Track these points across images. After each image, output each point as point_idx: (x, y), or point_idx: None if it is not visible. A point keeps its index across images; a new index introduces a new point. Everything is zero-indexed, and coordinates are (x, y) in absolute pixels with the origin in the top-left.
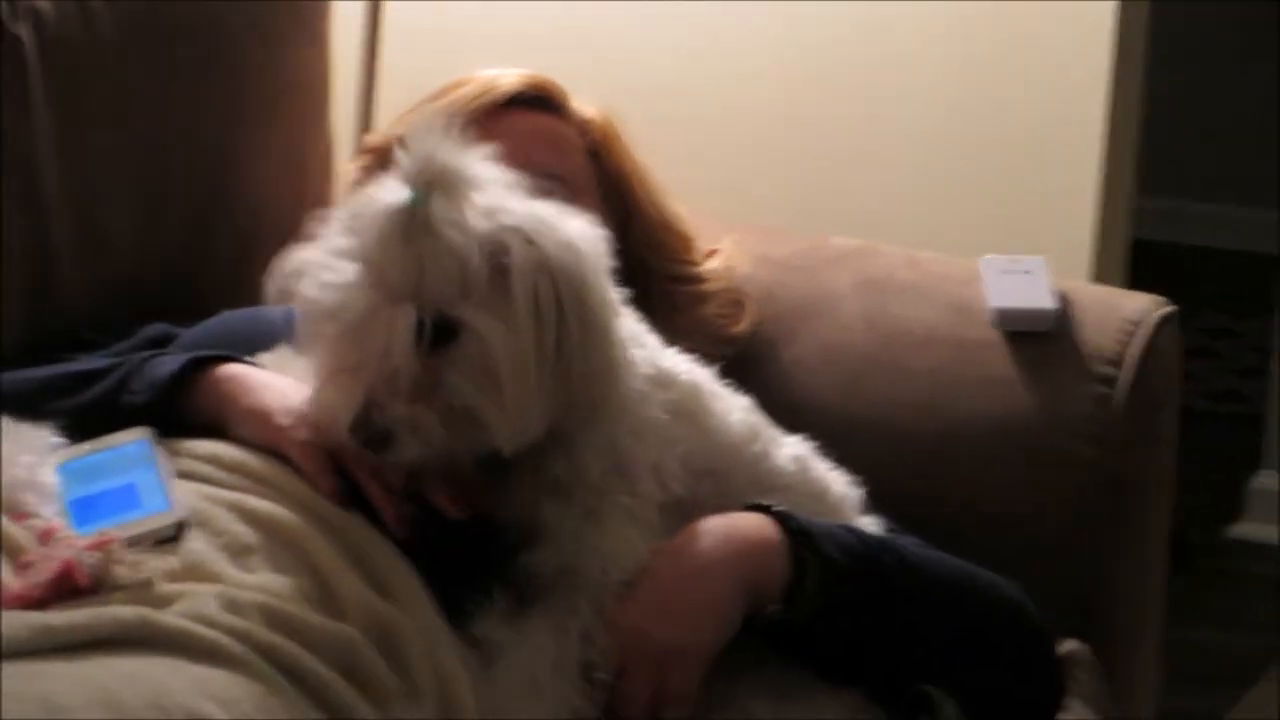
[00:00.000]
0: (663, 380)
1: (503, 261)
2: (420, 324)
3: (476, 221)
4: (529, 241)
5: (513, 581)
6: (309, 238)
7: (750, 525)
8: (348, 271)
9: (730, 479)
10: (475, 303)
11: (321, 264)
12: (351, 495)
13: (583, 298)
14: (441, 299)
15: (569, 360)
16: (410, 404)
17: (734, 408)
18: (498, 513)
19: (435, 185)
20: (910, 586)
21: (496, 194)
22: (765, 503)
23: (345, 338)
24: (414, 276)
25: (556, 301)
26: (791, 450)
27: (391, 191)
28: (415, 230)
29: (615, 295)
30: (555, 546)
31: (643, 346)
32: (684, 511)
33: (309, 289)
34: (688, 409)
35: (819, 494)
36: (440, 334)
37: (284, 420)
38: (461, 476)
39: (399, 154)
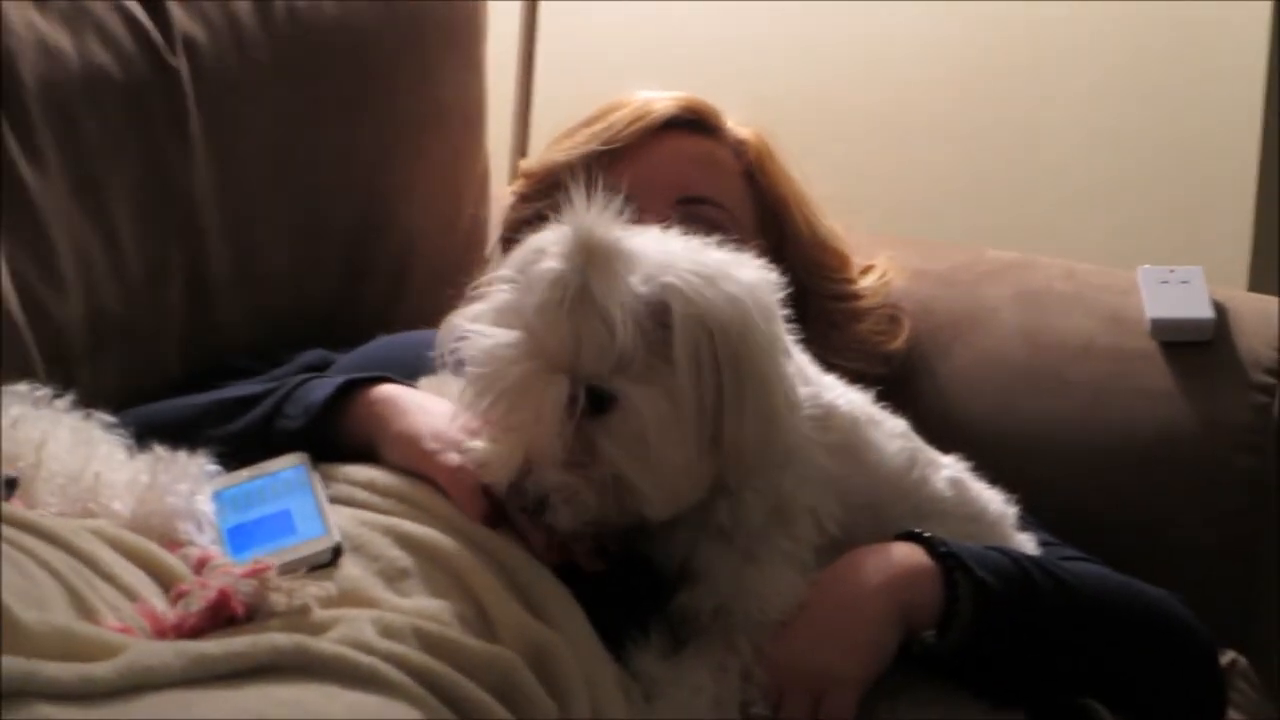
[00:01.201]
0: (826, 421)
1: (664, 323)
2: (575, 395)
3: (634, 290)
4: (689, 299)
5: (667, 619)
6: (474, 296)
7: (902, 553)
8: (508, 336)
9: (888, 510)
10: (631, 374)
11: (483, 328)
12: (500, 521)
13: (741, 346)
14: (595, 370)
15: (726, 419)
16: (565, 472)
17: (893, 434)
18: (655, 553)
19: (592, 260)
20: (1066, 605)
21: (659, 253)
22: (917, 529)
23: (503, 402)
24: (570, 348)
25: (714, 360)
26: (948, 473)
27: (552, 262)
28: (574, 304)
29: (784, 337)
30: (712, 586)
31: (808, 383)
32: (839, 549)
33: (471, 351)
34: (848, 445)
35: (975, 515)
36: (597, 404)
37: (432, 445)
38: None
39: (554, 227)
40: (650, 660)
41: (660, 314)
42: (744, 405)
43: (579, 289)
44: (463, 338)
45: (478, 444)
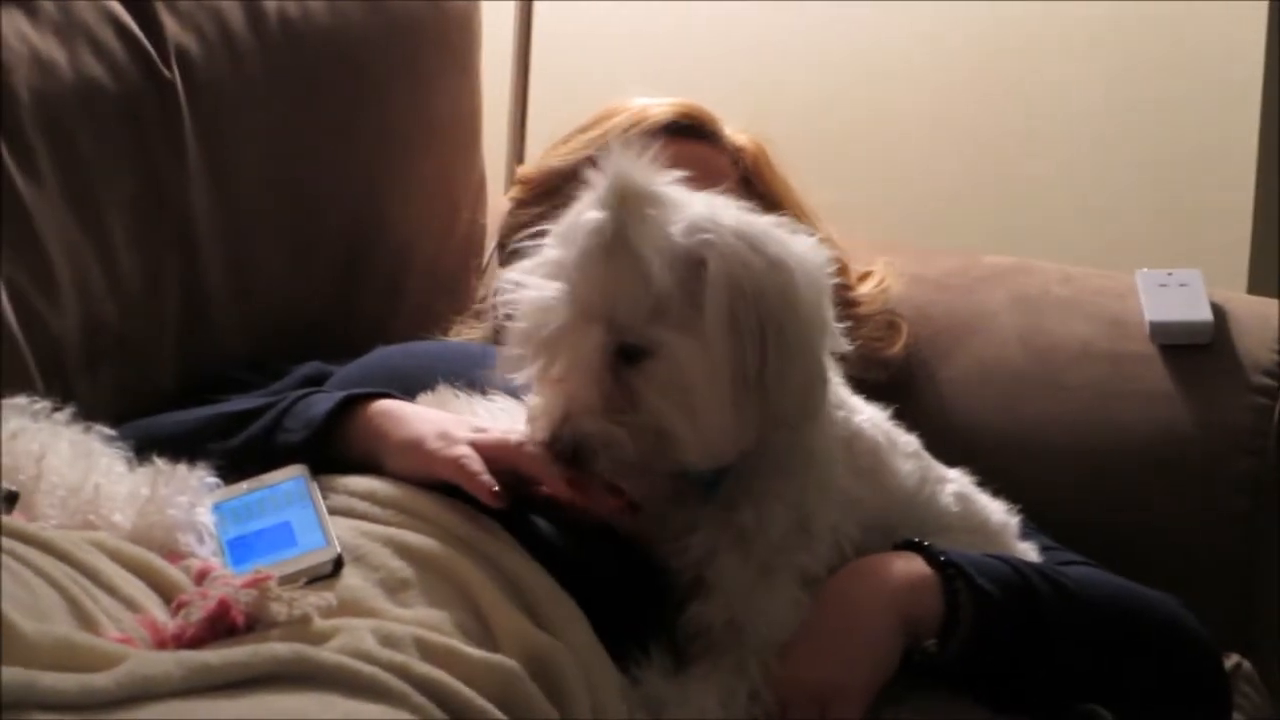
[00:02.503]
0: (852, 444)
1: (700, 277)
2: (613, 343)
3: (673, 240)
4: (725, 256)
5: (674, 631)
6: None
7: (903, 563)
8: (551, 288)
9: (898, 530)
10: (669, 321)
11: (528, 280)
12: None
13: (785, 313)
14: (632, 318)
15: (768, 377)
16: (603, 419)
17: (906, 454)
18: (672, 562)
19: (628, 206)
20: (1067, 611)
21: (705, 206)
22: (916, 539)
23: (544, 354)
24: (608, 296)
25: (755, 320)
26: (954, 488)
27: (590, 211)
28: (609, 251)
29: (828, 315)
30: (725, 601)
31: (841, 406)
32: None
33: (515, 306)
34: (871, 469)
35: (979, 528)
36: (635, 352)
37: (437, 444)
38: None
39: (594, 176)
40: (655, 678)
41: (700, 266)
42: (787, 371)
43: (615, 235)
44: (509, 292)
45: (530, 400)
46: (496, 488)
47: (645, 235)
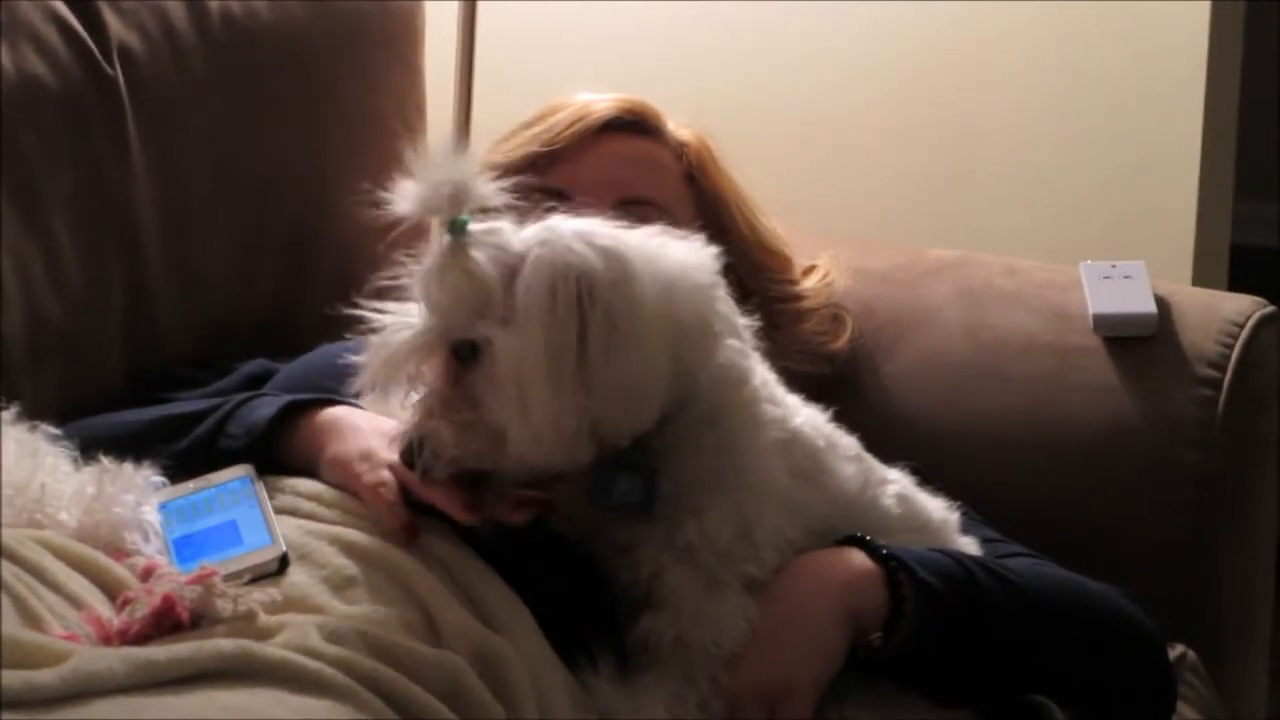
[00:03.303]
0: (791, 446)
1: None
2: (447, 344)
3: (507, 240)
4: (549, 244)
5: (623, 644)
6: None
7: (845, 558)
8: (399, 310)
9: (842, 532)
10: (495, 316)
11: (382, 309)
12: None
13: (615, 303)
14: (465, 318)
15: (594, 367)
16: (438, 419)
17: (847, 456)
18: (621, 575)
19: (453, 212)
20: (1011, 603)
21: (551, 221)
22: (858, 534)
23: (394, 374)
24: (444, 301)
25: (574, 304)
26: (895, 489)
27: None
28: (448, 256)
29: (723, 316)
30: (674, 614)
31: (777, 404)
32: None
33: (373, 338)
34: (811, 471)
35: (920, 528)
36: (468, 351)
37: (361, 466)
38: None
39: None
40: (604, 686)
41: (518, 264)
42: (617, 355)
43: (454, 243)
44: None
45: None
46: (406, 520)
47: (481, 239)
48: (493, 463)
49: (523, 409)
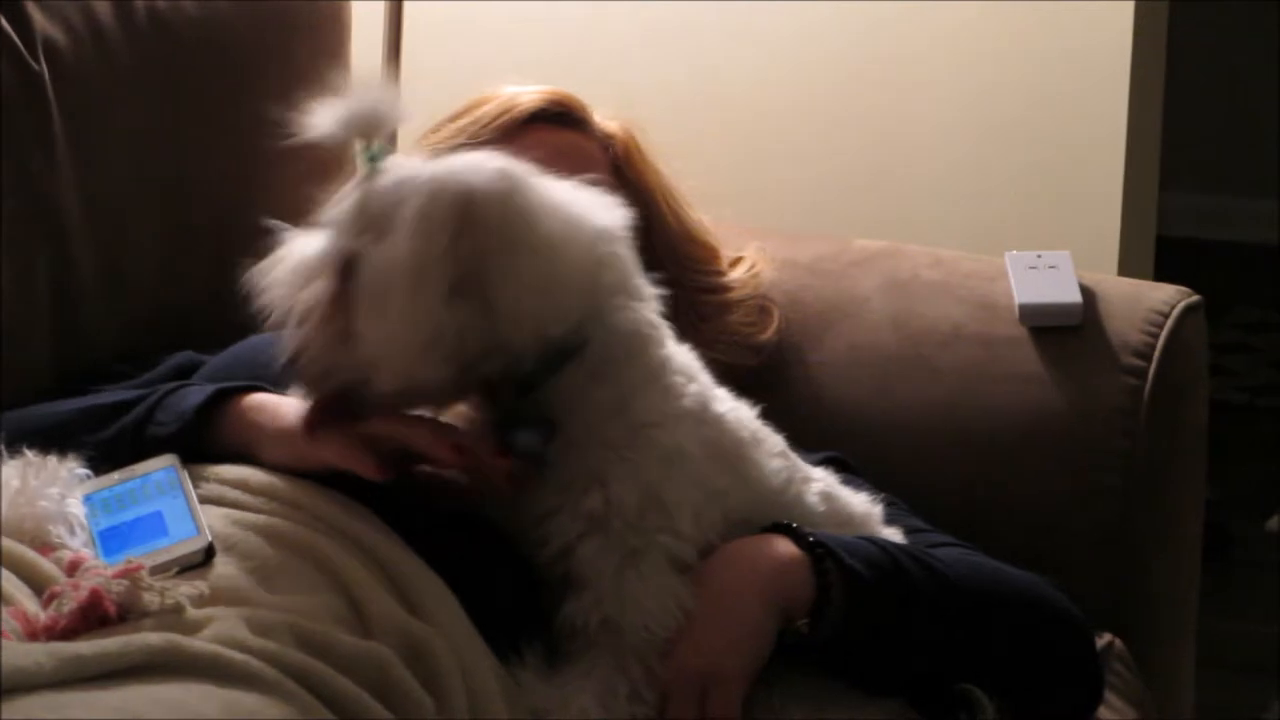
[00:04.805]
0: (711, 431)
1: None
2: (337, 264)
3: (413, 170)
4: (439, 165)
5: (549, 630)
6: None
7: (772, 545)
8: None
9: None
10: (373, 235)
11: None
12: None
13: (508, 218)
14: (349, 236)
15: (494, 283)
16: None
17: (772, 453)
18: (537, 554)
19: (372, 135)
20: (937, 592)
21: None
22: (785, 522)
23: (287, 284)
24: (341, 220)
25: (452, 219)
26: (819, 486)
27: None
28: (355, 181)
29: (633, 274)
30: (596, 595)
31: (694, 380)
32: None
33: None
34: (733, 460)
35: (844, 524)
36: (353, 269)
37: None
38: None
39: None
40: (532, 680)
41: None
42: (513, 271)
43: (367, 171)
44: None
45: None
46: (378, 464)
47: (392, 167)
48: (358, 374)
49: (380, 315)
